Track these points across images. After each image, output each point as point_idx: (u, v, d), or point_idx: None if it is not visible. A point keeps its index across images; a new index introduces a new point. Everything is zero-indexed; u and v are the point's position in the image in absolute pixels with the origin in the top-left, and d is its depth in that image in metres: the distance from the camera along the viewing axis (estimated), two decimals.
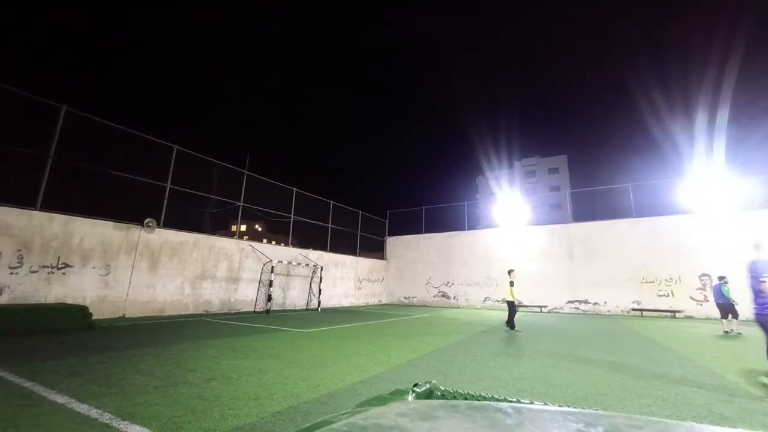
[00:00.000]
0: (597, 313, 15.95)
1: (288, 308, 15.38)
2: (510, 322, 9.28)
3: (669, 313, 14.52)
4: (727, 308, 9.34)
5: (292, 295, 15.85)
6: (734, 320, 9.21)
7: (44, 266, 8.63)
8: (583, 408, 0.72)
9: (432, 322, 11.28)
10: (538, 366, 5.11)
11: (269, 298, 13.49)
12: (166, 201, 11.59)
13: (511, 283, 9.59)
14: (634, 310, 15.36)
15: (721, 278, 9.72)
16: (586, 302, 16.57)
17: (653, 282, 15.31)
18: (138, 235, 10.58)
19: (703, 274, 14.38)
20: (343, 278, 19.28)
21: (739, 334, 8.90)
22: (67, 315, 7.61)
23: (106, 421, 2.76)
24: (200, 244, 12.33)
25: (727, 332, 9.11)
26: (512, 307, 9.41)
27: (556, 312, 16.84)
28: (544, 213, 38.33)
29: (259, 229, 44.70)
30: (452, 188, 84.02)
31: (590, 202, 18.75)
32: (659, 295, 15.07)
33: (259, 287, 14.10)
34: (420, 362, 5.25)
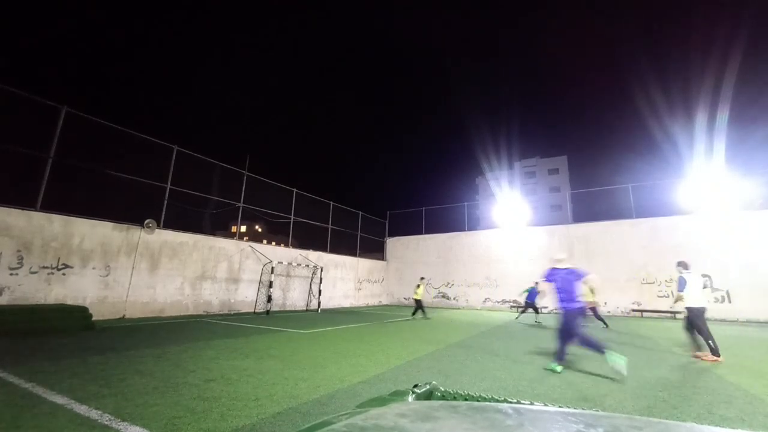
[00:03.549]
0: None
1: (288, 309, 15.37)
2: (422, 312, 13.02)
3: (669, 314, 14.51)
4: (532, 306, 12.32)
5: (292, 296, 15.84)
6: (535, 314, 12.50)
7: (44, 267, 8.62)
8: (583, 409, 0.72)
9: (432, 323, 11.27)
10: (538, 367, 5.10)
11: (269, 298, 13.48)
12: (166, 202, 11.59)
13: (418, 286, 13.46)
14: (634, 311, 15.35)
15: (537, 283, 12.03)
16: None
17: (653, 283, 15.30)
18: (138, 235, 10.58)
19: (704, 275, 14.37)
20: (343, 279, 19.27)
21: (536, 323, 11.59)
22: (67, 316, 7.60)
23: (106, 422, 2.75)
24: (200, 244, 12.33)
25: (537, 322, 11.73)
26: (420, 303, 13.02)
27: (556, 313, 16.81)
28: (544, 214, 38.39)
29: (259, 229, 44.70)
30: (452, 189, 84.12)
31: (590, 203, 18.76)
32: (659, 296, 15.06)
33: (259, 288, 14.10)
34: (420, 363, 5.24)
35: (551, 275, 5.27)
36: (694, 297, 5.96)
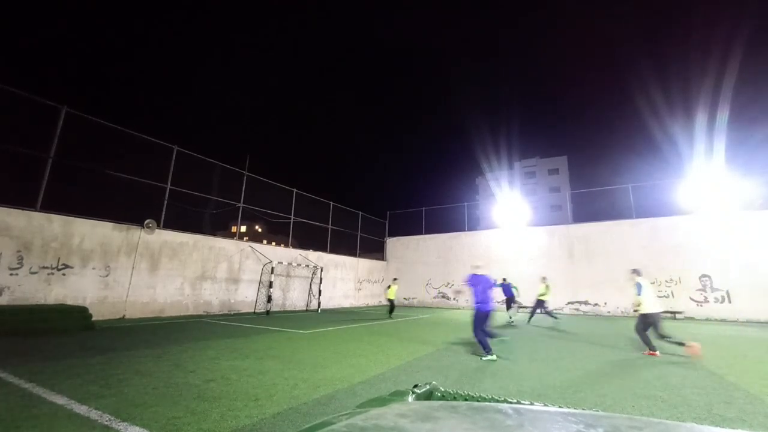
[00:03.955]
0: (597, 314, 15.93)
1: (288, 309, 15.36)
2: (390, 312, 13.43)
3: (669, 314, 14.50)
4: (512, 301, 12.12)
5: (292, 296, 15.84)
6: (510, 311, 12.07)
7: (44, 267, 8.62)
8: (583, 409, 0.72)
9: (432, 323, 11.27)
10: (538, 367, 5.10)
11: (269, 298, 13.48)
12: (166, 202, 11.59)
13: (388, 287, 13.92)
14: (634, 311, 15.32)
15: (504, 279, 12.60)
16: (586, 303, 16.56)
17: (653, 283, 15.25)
18: (138, 236, 10.58)
19: (704, 275, 14.38)
20: (343, 279, 19.27)
21: (512, 319, 11.57)
22: (67, 316, 7.60)
23: (106, 423, 2.76)
24: (200, 245, 12.33)
25: (510, 318, 11.68)
26: (392, 303, 13.48)
27: (556, 313, 16.80)
28: (544, 214, 38.39)
29: (259, 230, 44.68)
30: (452, 189, 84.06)
31: (590, 203, 18.75)
32: (659, 296, 15.01)
33: (259, 288, 14.10)
34: (420, 363, 5.24)
35: (473, 280, 6.04)
36: (651, 303, 6.41)
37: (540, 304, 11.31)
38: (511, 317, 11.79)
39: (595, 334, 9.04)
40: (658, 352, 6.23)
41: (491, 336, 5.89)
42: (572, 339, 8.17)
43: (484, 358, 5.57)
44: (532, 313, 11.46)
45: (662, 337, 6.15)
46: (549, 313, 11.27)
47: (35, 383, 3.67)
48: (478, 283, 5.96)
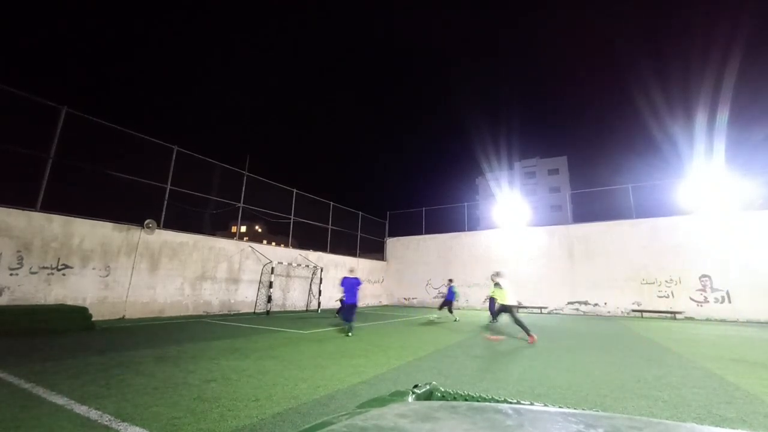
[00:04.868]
0: (597, 314, 15.93)
1: (288, 309, 15.36)
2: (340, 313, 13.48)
3: (669, 315, 14.51)
4: (448, 303, 12.49)
5: (292, 296, 15.84)
6: (446, 309, 12.50)
7: (44, 267, 8.62)
8: (583, 409, 0.72)
9: (432, 323, 11.27)
10: (538, 367, 5.10)
11: (269, 299, 13.48)
12: (166, 202, 11.59)
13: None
14: (634, 311, 15.35)
15: (450, 280, 13.58)
16: (586, 303, 16.56)
17: (653, 283, 15.30)
18: (138, 236, 10.58)
19: (704, 275, 14.38)
20: None
21: (457, 320, 12.15)
22: (67, 316, 7.60)
23: (106, 423, 2.75)
24: (200, 245, 12.33)
25: (456, 320, 12.06)
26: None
27: (556, 313, 16.82)
28: (544, 214, 38.41)
29: (259, 230, 44.67)
30: (452, 189, 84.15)
31: (590, 203, 18.76)
32: (659, 296, 15.05)
33: (259, 288, 14.09)
34: (420, 363, 5.24)
35: (344, 281, 8.45)
36: (509, 297, 8.09)
37: (493, 302, 11.36)
38: (456, 318, 12.40)
39: (594, 334, 9.04)
40: (502, 336, 7.98)
41: (348, 320, 8.17)
42: (571, 338, 8.17)
43: (349, 334, 7.79)
44: (491, 311, 11.50)
45: (517, 322, 7.74)
46: (491, 312, 11.29)
47: (35, 383, 3.67)
48: (346, 283, 8.35)
